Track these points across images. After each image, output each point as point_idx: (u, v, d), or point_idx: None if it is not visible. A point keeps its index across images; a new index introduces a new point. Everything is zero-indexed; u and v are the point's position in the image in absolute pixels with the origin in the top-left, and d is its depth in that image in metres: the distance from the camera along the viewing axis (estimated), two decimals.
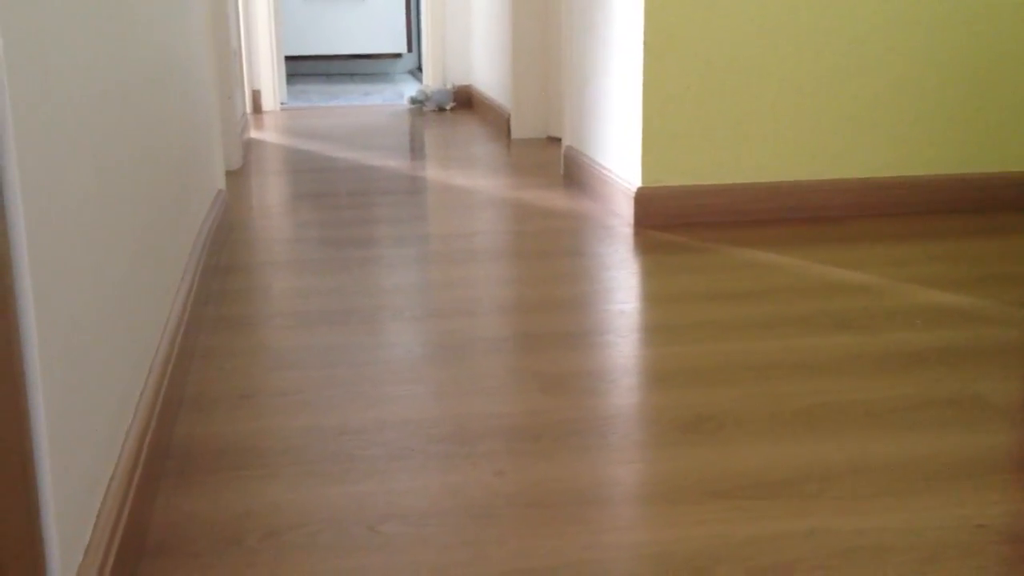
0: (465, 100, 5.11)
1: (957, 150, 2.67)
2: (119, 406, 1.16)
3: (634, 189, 2.55)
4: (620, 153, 2.69)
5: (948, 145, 2.67)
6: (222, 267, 2.25)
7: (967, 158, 2.68)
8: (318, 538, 1.15)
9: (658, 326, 1.84)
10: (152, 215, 1.49)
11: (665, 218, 2.56)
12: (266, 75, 4.97)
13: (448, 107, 4.99)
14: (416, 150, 3.89)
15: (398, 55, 6.89)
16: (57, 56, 0.97)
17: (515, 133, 4.08)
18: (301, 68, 6.84)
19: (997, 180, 2.69)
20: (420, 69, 6.21)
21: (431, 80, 5.25)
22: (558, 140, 3.97)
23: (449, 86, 5.11)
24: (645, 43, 2.48)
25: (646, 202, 2.54)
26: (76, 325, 0.98)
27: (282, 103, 5.14)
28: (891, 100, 2.62)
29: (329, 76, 6.84)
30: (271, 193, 3.10)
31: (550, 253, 2.33)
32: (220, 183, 2.61)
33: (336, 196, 3.01)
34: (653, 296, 2.02)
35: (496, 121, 4.38)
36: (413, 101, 5.10)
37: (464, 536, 1.15)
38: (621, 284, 2.09)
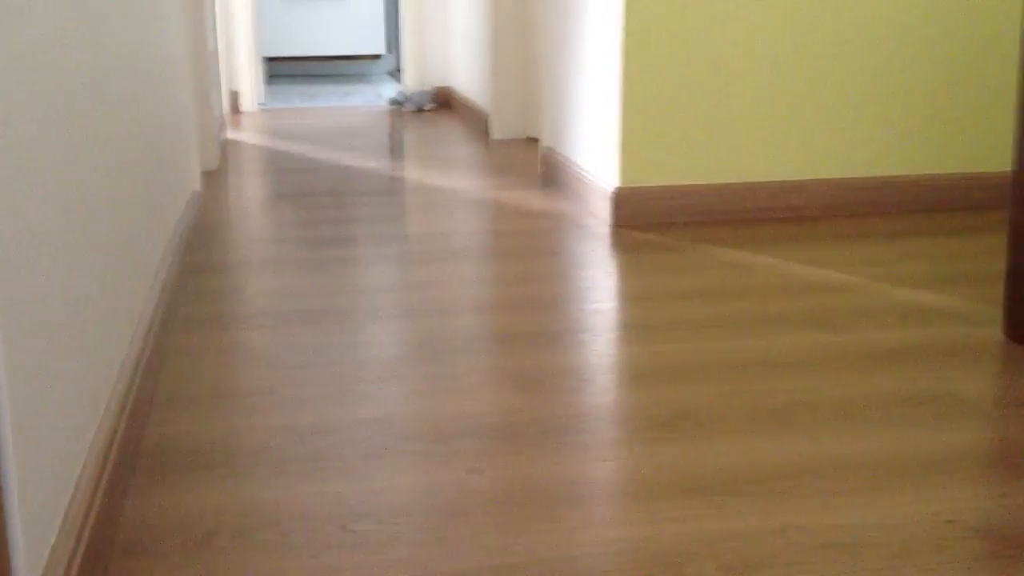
0: (444, 101, 5.11)
1: (931, 151, 2.69)
2: (89, 405, 1.15)
3: (612, 189, 2.56)
4: (598, 153, 2.69)
5: (922, 146, 2.68)
6: (197, 267, 2.24)
7: (941, 159, 2.70)
8: (290, 537, 1.14)
9: (634, 325, 1.84)
10: (125, 214, 1.48)
11: (642, 218, 2.56)
12: (245, 76, 4.95)
13: (427, 108, 4.98)
14: (395, 151, 3.88)
15: (377, 56, 6.88)
16: (26, 54, 0.96)
17: (494, 134, 4.08)
18: (281, 69, 6.82)
19: (970, 180, 2.70)
20: (399, 70, 6.21)
21: (410, 81, 5.24)
22: (537, 141, 3.97)
23: (428, 87, 5.10)
24: (623, 45, 2.49)
25: (623, 202, 2.55)
26: (43, 323, 0.97)
27: (261, 104, 5.13)
28: (866, 101, 2.63)
29: (309, 77, 6.82)
30: (248, 193, 3.09)
31: (527, 253, 2.33)
32: (196, 183, 2.59)
33: (314, 196, 3.00)
34: (629, 295, 2.02)
35: (475, 122, 4.38)
36: (392, 102, 5.09)
37: (438, 534, 1.15)
38: (598, 283, 2.09)
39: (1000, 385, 1.55)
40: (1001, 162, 2.72)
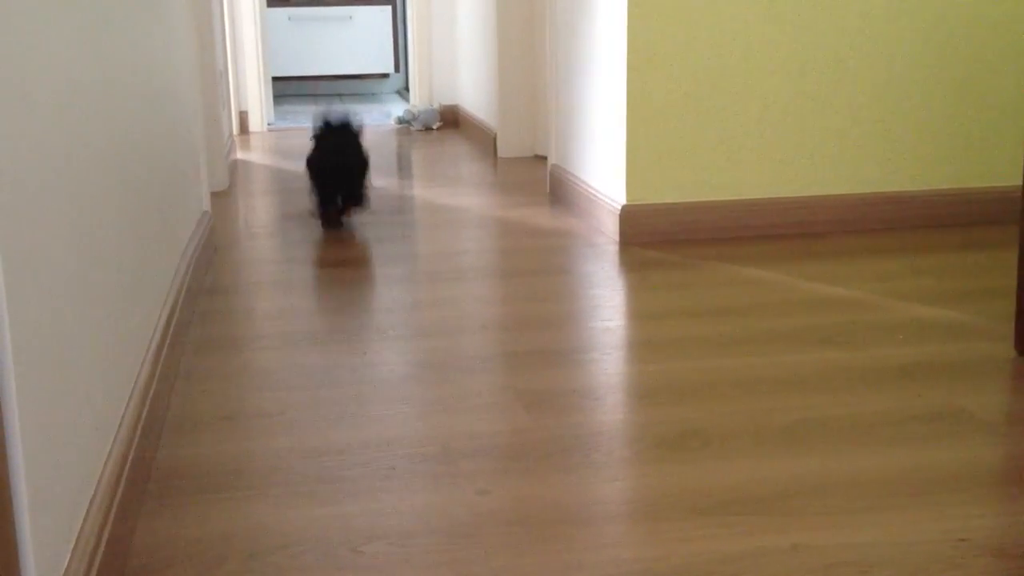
0: (452, 120, 5.13)
1: (941, 165, 2.69)
2: (100, 428, 1.15)
3: (619, 207, 2.56)
4: (605, 171, 2.70)
5: (932, 160, 2.68)
6: (206, 288, 2.25)
7: (951, 173, 2.69)
8: (301, 560, 1.14)
9: (643, 343, 1.84)
10: (135, 236, 1.48)
11: (650, 235, 2.56)
12: (253, 96, 4.97)
13: (435, 126, 5.00)
14: (403, 169, 3.89)
15: (385, 75, 6.90)
16: (38, 75, 0.97)
17: (501, 152, 4.09)
18: (288, 89, 6.85)
19: (980, 195, 2.70)
20: (407, 89, 6.23)
21: (418, 100, 5.26)
22: (544, 159, 3.98)
23: (436, 106, 5.12)
24: (628, 62, 2.49)
25: (631, 219, 2.55)
26: (54, 345, 0.98)
27: (269, 124, 5.15)
28: (875, 116, 2.63)
29: (317, 97, 6.85)
30: (257, 214, 3.10)
31: (536, 271, 2.33)
32: (205, 204, 2.60)
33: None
34: (638, 313, 2.02)
35: (483, 140, 4.39)
36: (400, 121, 5.11)
37: (448, 555, 1.14)
38: (606, 302, 2.09)
39: (1012, 401, 1.55)
40: (1011, 176, 2.72)
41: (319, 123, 2.79)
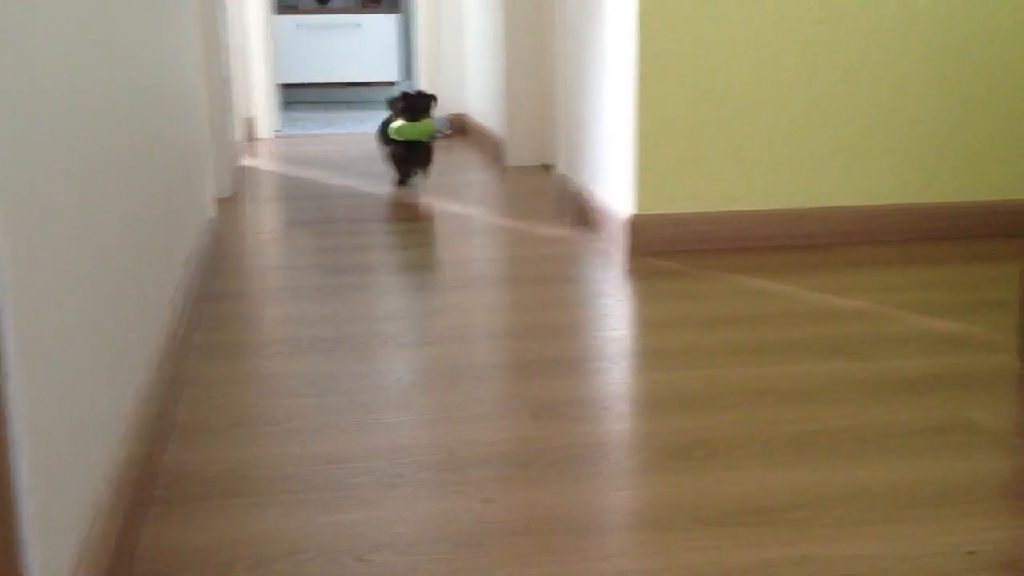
0: (459, 128, 5.13)
1: (950, 178, 2.68)
2: (107, 433, 1.15)
3: (628, 216, 2.56)
4: (614, 180, 2.70)
5: (941, 173, 2.68)
6: (213, 294, 2.25)
7: (960, 186, 2.69)
8: (307, 567, 1.14)
9: (650, 352, 1.83)
10: (140, 242, 1.49)
11: (659, 245, 2.56)
12: (260, 103, 4.98)
13: (442, 135, 5.00)
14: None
15: (393, 83, 6.91)
16: (45, 79, 0.97)
17: (509, 161, 4.09)
18: (296, 96, 6.87)
19: (989, 207, 2.69)
20: None
21: None
22: (551, 168, 3.98)
23: (443, 114, 5.12)
24: (639, 71, 2.49)
25: (640, 229, 2.55)
26: (61, 351, 0.97)
27: (276, 131, 5.15)
28: (885, 128, 2.63)
29: (324, 104, 6.86)
30: (263, 220, 3.10)
31: (543, 280, 2.33)
32: (211, 210, 2.61)
33: (329, 223, 3.01)
34: (646, 323, 2.01)
35: (490, 149, 4.39)
36: None
37: (453, 565, 1.14)
38: (614, 311, 2.09)
39: (1020, 413, 1.54)
40: (1020, 190, 2.71)
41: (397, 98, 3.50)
